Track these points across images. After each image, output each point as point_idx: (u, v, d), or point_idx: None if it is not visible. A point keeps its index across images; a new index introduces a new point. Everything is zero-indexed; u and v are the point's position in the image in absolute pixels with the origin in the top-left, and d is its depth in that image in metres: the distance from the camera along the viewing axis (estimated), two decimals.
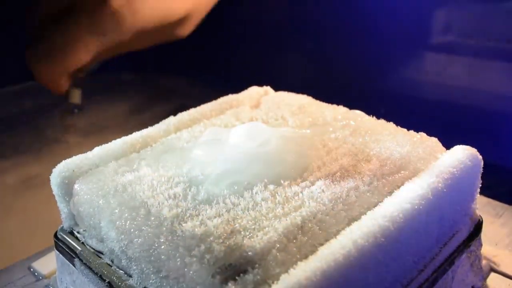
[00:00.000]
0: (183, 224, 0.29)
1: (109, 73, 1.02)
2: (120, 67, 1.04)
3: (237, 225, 0.29)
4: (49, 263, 0.42)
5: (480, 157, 0.36)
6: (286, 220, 0.29)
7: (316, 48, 0.80)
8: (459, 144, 0.37)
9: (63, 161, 0.36)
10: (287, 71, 0.84)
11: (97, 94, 0.98)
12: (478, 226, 0.37)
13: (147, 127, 0.42)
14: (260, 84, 0.50)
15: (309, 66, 0.82)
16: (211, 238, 0.28)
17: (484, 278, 0.40)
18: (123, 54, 0.62)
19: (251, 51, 0.91)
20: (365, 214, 0.30)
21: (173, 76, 1.05)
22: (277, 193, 0.32)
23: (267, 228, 0.29)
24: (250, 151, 0.35)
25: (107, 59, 0.65)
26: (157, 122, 0.43)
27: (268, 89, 0.48)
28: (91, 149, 0.39)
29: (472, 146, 0.37)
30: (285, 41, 0.84)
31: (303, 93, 0.48)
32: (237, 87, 0.50)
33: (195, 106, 0.45)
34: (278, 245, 0.27)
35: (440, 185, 0.32)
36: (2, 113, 0.86)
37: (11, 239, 0.55)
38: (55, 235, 0.36)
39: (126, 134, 0.40)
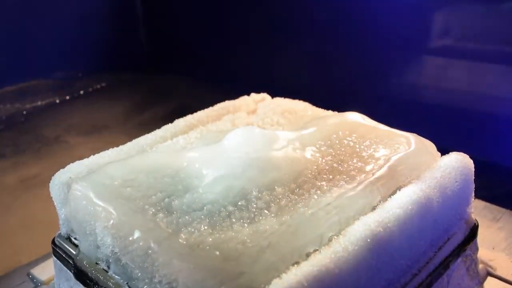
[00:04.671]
0: (178, 231, 0.29)
1: (109, 73, 1.03)
2: (120, 67, 1.05)
3: (230, 231, 0.29)
4: (47, 269, 0.42)
5: (472, 163, 0.36)
6: (280, 225, 0.29)
7: (314, 53, 0.80)
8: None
9: (61, 169, 0.37)
10: (285, 76, 0.84)
11: (97, 94, 0.99)
12: (473, 230, 0.37)
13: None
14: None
15: (309, 71, 0.82)
16: (205, 244, 0.28)
17: (481, 282, 0.40)
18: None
19: (250, 52, 0.92)
20: (358, 219, 0.30)
21: (173, 76, 1.05)
22: (271, 198, 0.32)
23: (260, 233, 0.29)
24: (245, 156, 0.35)
25: None
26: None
27: (264, 95, 0.48)
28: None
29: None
30: (284, 45, 0.84)
31: (301, 98, 0.48)
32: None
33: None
34: (270, 250, 0.28)
35: (433, 190, 0.33)
36: (2, 113, 0.87)
37: (10, 239, 0.56)
38: (53, 242, 0.36)
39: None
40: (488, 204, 0.51)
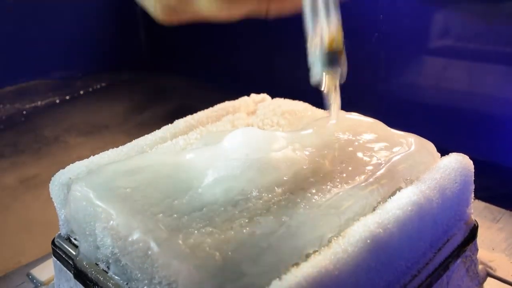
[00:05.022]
0: (178, 232, 0.29)
1: (109, 73, 1.03)
2: (120, 67, 1.05)
3: (230, 231, 0.29)
4: (47, 270, 0.42)
5: (472, 164, 0.36)
6: (279, 226, 0.29)
7: None
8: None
9: (61, 170, 0.37)
10: (285, 76, 0.84)
11: (97, 94, 0.99)
12: (473, 231, 0.37)
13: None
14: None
15: (309, 72, 0.82)
16: (204, 245, 0.28)
17: (480, 283, 0.40)
18: None
19: (250, 52, 0.92)
20: (358, 220, 0.30)
21: (173, 76, 1.05)
22: (271, 199, 0.32)
23: (260, 235, 0.29)
24: (244, 157, 0.35)
25: None
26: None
27: (264, 96, 0.48)
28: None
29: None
30: (284, 45, 0.84)
31: (301, 99, 0.48)
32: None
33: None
34: (270, 251, 0.28)
35: (433, 191, 0.33)
36: (2, 113, 0.87)
37: (10, 240, 0.56)
38: (53, 242, 0.36)
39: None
40: (488, 204, 0.51)
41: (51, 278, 0.42)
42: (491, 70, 0.62)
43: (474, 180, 0.36)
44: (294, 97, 0.48)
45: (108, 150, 0.40)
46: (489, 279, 0.41)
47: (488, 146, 0.62)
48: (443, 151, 0.38)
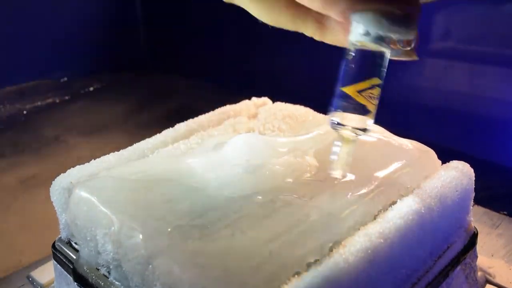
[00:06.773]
0: (179, 239, 0.29)
1: (109, 73, 1.03)
2: (120, 67, 1.04)
3: (231, 239, 0.29)
4: (47, 272, 0.42)
5: (473, 171, 0.36)
6: (281, 234, 0.29)
7: (316, 56, 0.80)
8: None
9: (62, 174, 0.37)
10: (287, 78, 0.84)
11: (97, 94, 0.99)
12: (473, 238, 0.38)
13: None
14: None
15: (310, 74, 0.82)
16: (206, 253, 0.28)
17: None
18: None
19: (252, 55, 0.92)
20: (358, 229, 0.30)
21: (173, 76, 1.05)
22: (272, 206, 0.32)
23: (261, 242, 0.29)
24: (245, 163, 0.35)
25: None
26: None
27: (265, 99, 0.48)
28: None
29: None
30: (285, 48, 0.84)
31: (302, 102, 0.48)
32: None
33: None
34: (272, 260, 0.28)
35: (434, 200, 0.33)
36: (2, 113, 0.87)
37: (10, 240, 0.56)
38: (53, 246, 0.36)
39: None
40: (487, 210, 0.51)
41: (51, 281, 0.42)
42: (491, 71, 0.62)
43: (475, 181, 0.36)
44: (295, 101, 0.48)
45: (108, 151, 0.40)
46: (488, 286, 0.41)
47: (488, 146, 0.62)
48: (443, 151, 0.38)
